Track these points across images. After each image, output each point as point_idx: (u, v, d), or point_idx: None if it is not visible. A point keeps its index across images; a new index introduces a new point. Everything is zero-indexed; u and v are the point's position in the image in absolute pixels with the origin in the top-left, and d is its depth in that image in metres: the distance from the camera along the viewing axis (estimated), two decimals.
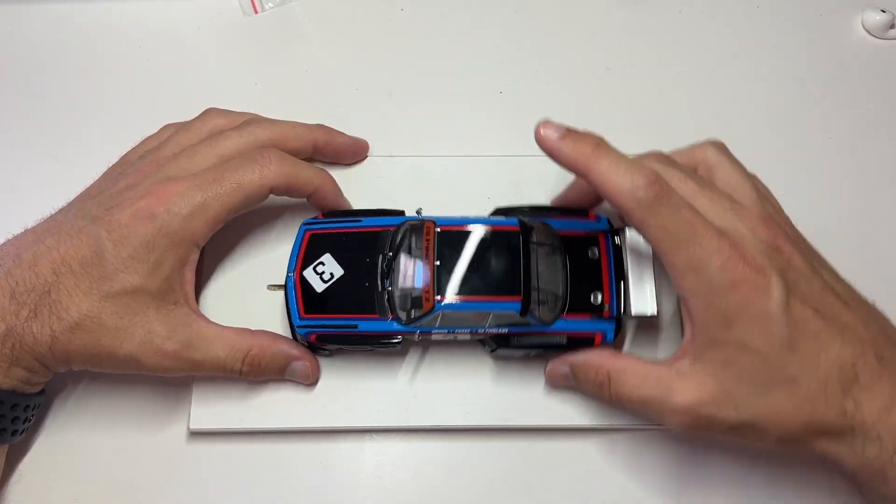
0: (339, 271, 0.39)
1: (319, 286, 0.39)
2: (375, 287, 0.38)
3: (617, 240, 0.39)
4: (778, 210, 0.37)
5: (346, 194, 0.42)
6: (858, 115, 0.48)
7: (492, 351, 0.40)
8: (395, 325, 0.38)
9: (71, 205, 0.39)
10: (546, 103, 0.48)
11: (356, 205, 0.42)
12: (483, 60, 0.49)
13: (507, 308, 0.36)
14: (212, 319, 0.38)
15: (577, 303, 0.38)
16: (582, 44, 0.50)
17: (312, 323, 0.38)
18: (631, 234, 0.38)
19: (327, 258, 0.39)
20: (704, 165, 0.38)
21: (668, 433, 0.40)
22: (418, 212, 0.40)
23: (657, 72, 0.49)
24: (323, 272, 0.39)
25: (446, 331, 0.37)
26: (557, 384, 0.40)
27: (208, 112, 0.42)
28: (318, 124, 0.43)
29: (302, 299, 0.38)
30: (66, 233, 0.36)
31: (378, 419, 0.39)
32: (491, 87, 0.48)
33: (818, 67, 0.49)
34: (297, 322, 0.38)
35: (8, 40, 0.49)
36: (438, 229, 0.38)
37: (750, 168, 0.38)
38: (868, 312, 0.35)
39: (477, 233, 0.38)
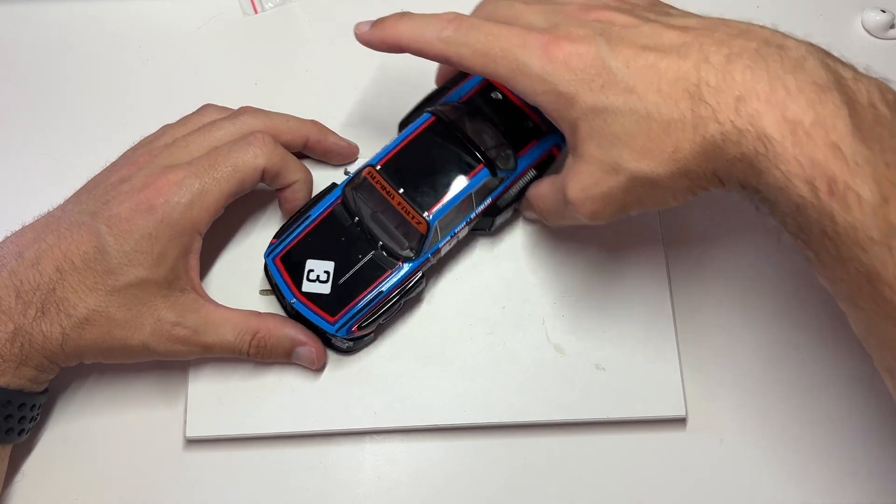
0: (329, 265, 0.39)
1: (325, 288, 0.39)
2: (370, 253, 0.39)
3: None
4: None
5: None
6: None
7: (490, 228, 0.42)
8: (409, 266, 0.39)
9: (68, 200, 0.40)
10: None
11: None
12: None
13: (479, 180, 0.39)
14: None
15: (520, 138, 0.41)
16: None
17: (345, 319, 0.39)
18: None
19: (311, 263, 0.39)
20: None
21: (668, 433, 0.40)
22: (347, 172, 0.42)
23: None
24: (318, 276, 0.39)
25: (449, 236, 0.39)
26: (534, 216, 0.42)
27: (205, 107, 0.43)
28: (311, 120, 0.43)
29: (319, 308, 0.39)
30: (65, 229, 0.36)
31: (376, 420, 0.39)
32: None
33: None
34: (332, 330, 0.39)
35: (8, 40, 0.49)
36: (379, 167, 0.39)
37: None
38: (713, 24, 0.33)
39: (412, 145, 0.39)
